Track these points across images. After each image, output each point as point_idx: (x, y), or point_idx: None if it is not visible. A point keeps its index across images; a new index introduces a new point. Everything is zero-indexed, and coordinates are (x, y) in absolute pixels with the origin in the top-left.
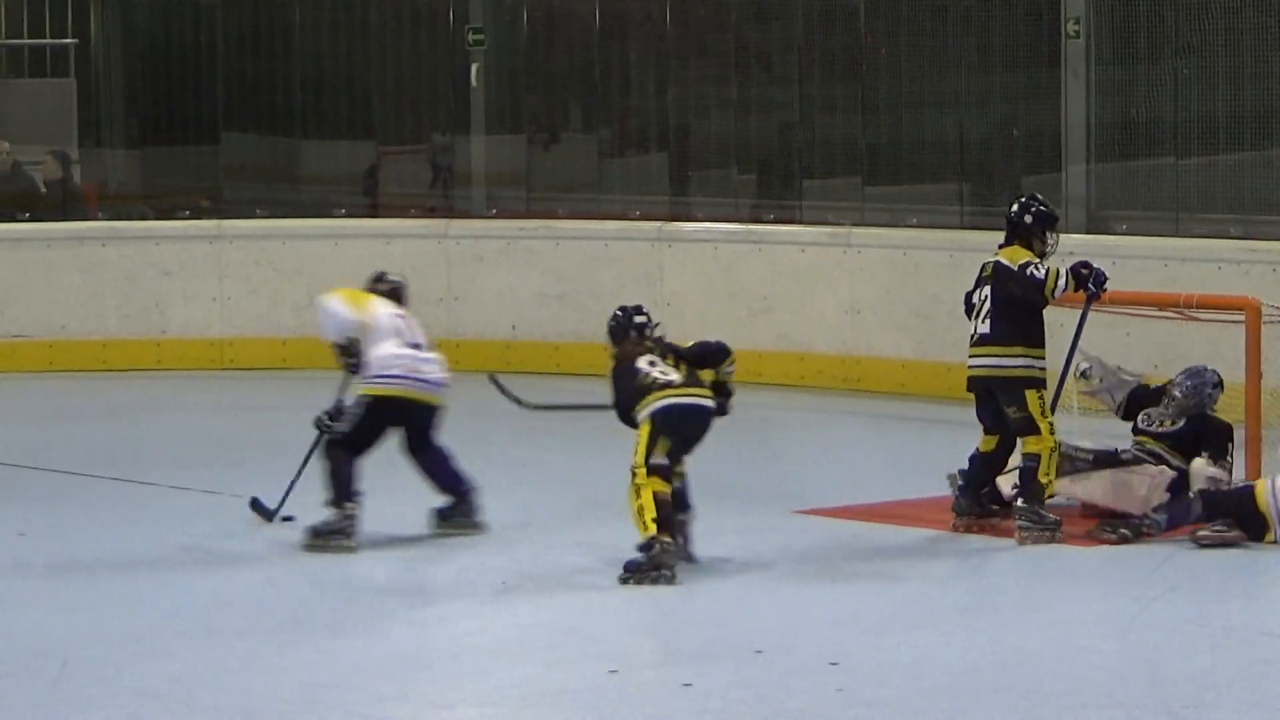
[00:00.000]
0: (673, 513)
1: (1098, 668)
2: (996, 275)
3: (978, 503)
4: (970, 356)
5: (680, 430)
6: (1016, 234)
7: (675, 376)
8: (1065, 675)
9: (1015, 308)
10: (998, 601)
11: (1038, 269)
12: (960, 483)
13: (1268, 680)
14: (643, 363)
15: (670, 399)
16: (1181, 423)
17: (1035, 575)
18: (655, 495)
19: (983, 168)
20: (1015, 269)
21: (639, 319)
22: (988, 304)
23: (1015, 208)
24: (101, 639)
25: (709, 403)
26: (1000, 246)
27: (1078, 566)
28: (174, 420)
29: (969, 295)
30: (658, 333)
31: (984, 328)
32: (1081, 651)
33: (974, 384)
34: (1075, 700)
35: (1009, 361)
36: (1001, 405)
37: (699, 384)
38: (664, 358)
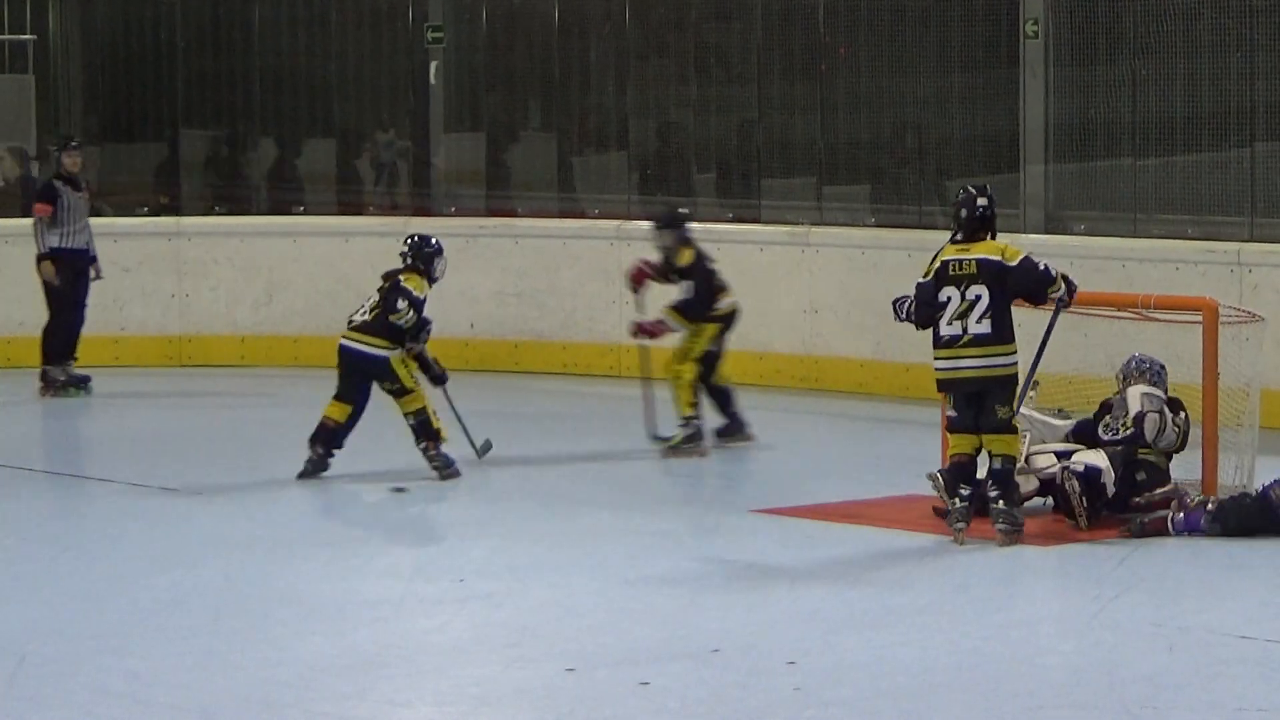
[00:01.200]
0: (331, 435)
1: (1055, 668)
2: (989, 272)
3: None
4: (959, 358)
5: (341, 366)
6: (985, 227)
7: (357, 317)
8: (1023, 675)
9: (1006, 305)
10: (956, 601)
11: (1048, 267)
12: (965, 493)
13: (1224, 680)
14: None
15: (341, 338)
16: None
17: (994, 575)
18: (322, 419)
19: (941, 168)
20: (1015, 266)
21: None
22: (983, 303)
23: (983, 201)
24: (59, 635)
25: (367, 349)
26: (962, 241)
27: (1036, 566)
28: (132, 417)
29: (931, 294)
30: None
31: (980, 328)
32: (1039, 651)
33: (963, 385)
34: (1033, 700)
35: (1007, 360)
36: (991, 404)
37: (373, 332)
38: (381, 298)
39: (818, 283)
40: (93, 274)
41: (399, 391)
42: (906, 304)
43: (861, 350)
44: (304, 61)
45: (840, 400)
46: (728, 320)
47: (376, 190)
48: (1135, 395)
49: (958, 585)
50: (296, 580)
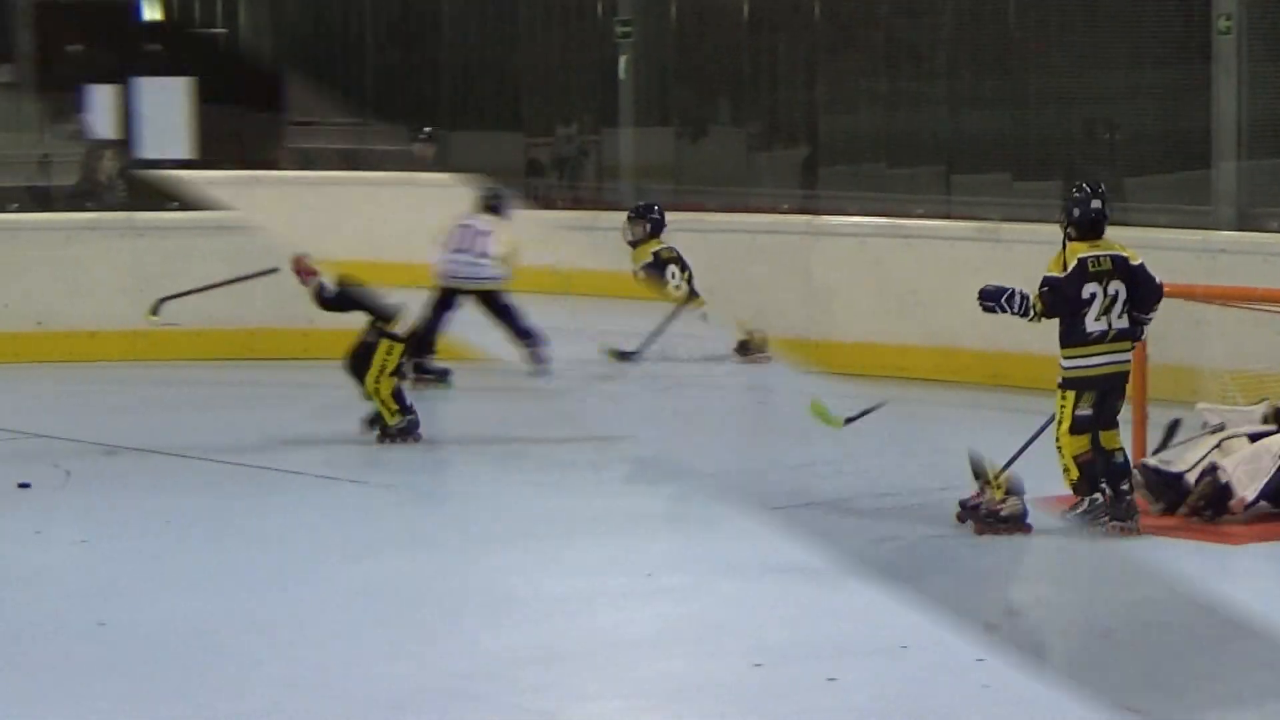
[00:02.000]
0: None
1: (1256, 667)
2: (1127, 271)
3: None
4: (1105, 354)
5: None
6: (1103, 227)
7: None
8: (1222, 673)
9: None
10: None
11: (1162, 284)
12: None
13: None
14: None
15: None
16: None
17: (1201, 571)
18: None
19: (1133, 164)
20: (1138, 266)
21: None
22: (1122, 298)
23: (1099, 203)
24: (250, 626)
25: None
26: (1089, 239)
27: (1242, 563)
28: (320, 410)
29: (1076, 289)
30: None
31: (1123, 323)
32: (1233, 651)
33: (1103, 381)
34: (1229, 689)
35: (1131, 356)
36: (1114, 399)
37: None
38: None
39: (1007, 278)
40: None
41: None
42: (1008, 295)
43: (1049, 347)
44: (493, 55)
45: (1029, 397)
46: (408, 340)
47: (560, 183)
48: None
49: (1151, 578)
50: (484, 573)
